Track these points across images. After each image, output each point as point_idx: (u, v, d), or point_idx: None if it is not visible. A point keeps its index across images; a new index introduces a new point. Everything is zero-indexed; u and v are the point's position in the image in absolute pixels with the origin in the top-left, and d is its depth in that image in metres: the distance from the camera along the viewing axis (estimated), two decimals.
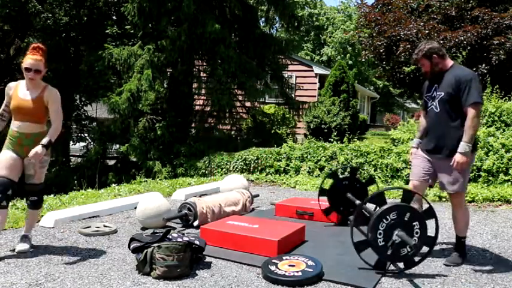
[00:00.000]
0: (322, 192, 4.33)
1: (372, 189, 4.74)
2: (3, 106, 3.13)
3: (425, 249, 2.98)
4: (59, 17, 13.76)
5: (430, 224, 2.94)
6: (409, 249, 2.87)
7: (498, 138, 6.61)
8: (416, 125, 8.41)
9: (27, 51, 3.11)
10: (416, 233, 2.88)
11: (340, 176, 4.35)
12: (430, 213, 2.97)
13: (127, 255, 3.18)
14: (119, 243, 3.55)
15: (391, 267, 3.06)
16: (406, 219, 2.86)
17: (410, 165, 3.83)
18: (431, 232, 2.96)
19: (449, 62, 3.17)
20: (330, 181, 4.50)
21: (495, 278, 2.91)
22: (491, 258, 3.37)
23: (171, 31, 9.77)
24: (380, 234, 2.85)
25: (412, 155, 3.36)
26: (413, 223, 2.88)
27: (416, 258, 2.96)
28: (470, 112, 2.93)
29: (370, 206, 3.97)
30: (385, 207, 2.89)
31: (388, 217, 2.86)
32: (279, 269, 2.83)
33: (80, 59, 13.83)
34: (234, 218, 3.98)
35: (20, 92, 3.10)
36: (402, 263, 2.99)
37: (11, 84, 3.13)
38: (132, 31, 12.61)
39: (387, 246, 2.85)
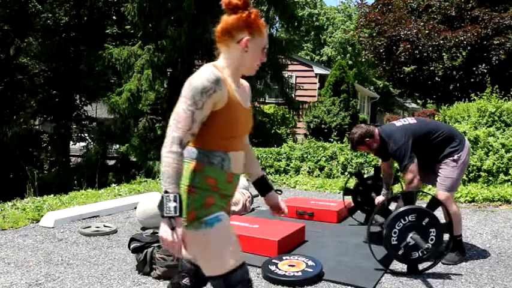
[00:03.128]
0: (347, 192, 4.31)
1: (395, 188, 4.74)
2: (187, 123, 1.41)
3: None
4: (59, 17, 13.75)
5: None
6: (421, 254, 2.86)
7: (498, 138, 6.60)
8: None
9: (251, 18, 1.54)
10: (431, 239, 2.86)
11: (364, 176, 4.36)
12: (448, 228, 2.97)
13: (127, 255, 3.18)
14: (119, 243, 3.55)
15: (402, 269, 3.06)
16: (423, 223, 2.86)
17: None
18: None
19: (377, 136, 3.35)
20: (353, 181, 4.51)
21: (495, 278, 2.91)
22: (491, 258, 3.37)
23: (171, 31, 9.76)
24: (395, 233, 2.86)
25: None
26: (430, 229, 2.86)
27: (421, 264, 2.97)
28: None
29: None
30: (405, 207, 2.88)
31: (406, 218, 2.85)
32: (279, 269, 2.83)
33: (80, 59, 13.82)
34: (234, 218, 3.98)
35: (237, 93, 1.55)
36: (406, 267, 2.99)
37: (214, 76, 1.43)
38: (132, 31, 12.59)
39: (399, 247, 2.85)
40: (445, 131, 3.22)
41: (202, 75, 1.43)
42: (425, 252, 2.86)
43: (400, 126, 3.28)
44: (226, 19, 1.53)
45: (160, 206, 1.34)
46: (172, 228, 1.32)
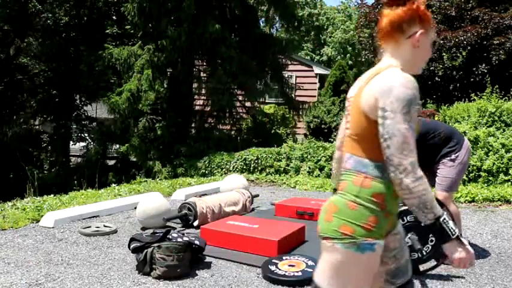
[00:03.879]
0: None
1: None
2: (414, 142, 1.33)
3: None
4: (59, 17, 13.76)
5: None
6: (420, 255, 2.86)
7: (498, 138, 6.60)
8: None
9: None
10: (431, 240, 2.86)
11: None
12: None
13: (127, 255, 3.18)
14: (119, 243, 3.55)
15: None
16: (423, 224, 2.84)
17: None
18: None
19: None
20: None
21: (495, 278, 2.91)
22: (491, 258, 3.37)
23: (171, 31, 9.76)
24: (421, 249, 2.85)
25: None
26: (430, 233, 2.85)
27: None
28: None
29: None
30: (403, 208, 2.88)
31: (404, 218, 2.86)
32: (279, 269, 2.83)
33: (80, 59, 13.82)
34: (234, 218, 3.98)
35: None
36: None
37: (415, 84, 1.31)
38: (132, 31, 12.59)
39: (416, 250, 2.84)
40: (443, 131, 3.24)
41: (407, 84, 1.26)
42: (424, 253, 2.85)
43: None
44: (394, 12, 1.36)
45: (442, 232, 1.27)
46: (465, 244, 1.27)
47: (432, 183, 3.37)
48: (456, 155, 3.17)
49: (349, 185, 1.34)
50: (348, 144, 1.42)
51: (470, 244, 3.71)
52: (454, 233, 1.26)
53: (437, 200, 2.98)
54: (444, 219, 1.26)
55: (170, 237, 2.95)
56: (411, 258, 2.84)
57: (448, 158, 3.18)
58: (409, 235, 2.85)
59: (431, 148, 3.23)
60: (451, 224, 1.27)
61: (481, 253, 3.49)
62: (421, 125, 3.29)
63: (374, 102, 1.29)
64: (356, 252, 1.29)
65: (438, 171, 3.22)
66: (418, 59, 1.39)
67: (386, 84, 1.27)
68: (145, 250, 2.82)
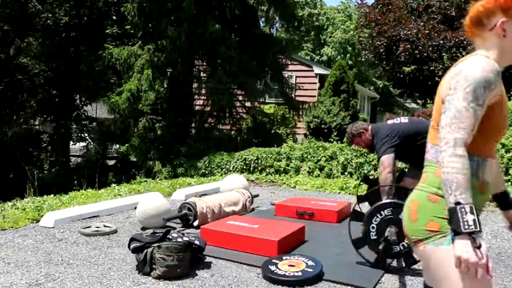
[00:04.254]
0: (360, 199, 4.27)
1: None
2: (471, 122, 1.22)
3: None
4: (59, 17, 13.76)
5: None
6: (402, 248, 2.90)
7: None
8: None
9: None
10: None
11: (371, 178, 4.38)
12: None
13: (127, 255, 3.18)
14: (119, 243, 3.55)
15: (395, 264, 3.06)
16: (400, 217, 2.89)
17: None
18: None
19: (370, 131, 3.58)
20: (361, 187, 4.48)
21: (495, 278, 2.90)
22: (491, 258, 3.37)
23: (171, 31, 9.76)
24: (373, 228, 2.94)
25: None
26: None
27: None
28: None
29: None
30: (381, 202, 2.97)
31: (382, 212, 2.93)
32: (279, 269, 2.83)
33: (80, 59, 13.83)
34: (234, 218, 3.98)
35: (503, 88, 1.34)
36: (403, 261, 3.01)
37: (495, 68, 1.25)
38: (132, 31, 12.59)
39: (379, 241, 2.91)
40: None
41: (481, 66, 1.21)
42: (406, 245, 2.89)
43: (389, 124, 3.43)
44: (476, 6, 1.31)
45: (453, 220, 1.12)
46: (477, 246, 1.12)
47: None
48: None
49: (430, 177, 1.29)
50: (430, 134, 1.40)
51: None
52: (467, 227, 1.10)
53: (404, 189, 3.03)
54: (463, 208, 1.12)
55: (170, 237, 2.95)
56: (393, 252, 2.91)
57: None
58: (389, 228, 2.90)
59: (423, 148, 3.22)
60: (469, 217, 1.11)
61: None
62: (411, 125, 3.35)
63: (447, 86, 1.28)
64: (448, 246, 1.20)
65: None
66: (509, 48, 1.30)
67: (459, 67, 1.25)
68: (145, 250, 2.82)
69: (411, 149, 3.29)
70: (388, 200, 2.99)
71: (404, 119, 3.44)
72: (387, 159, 3.20)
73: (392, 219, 2.90)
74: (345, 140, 8.57)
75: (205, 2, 10.06)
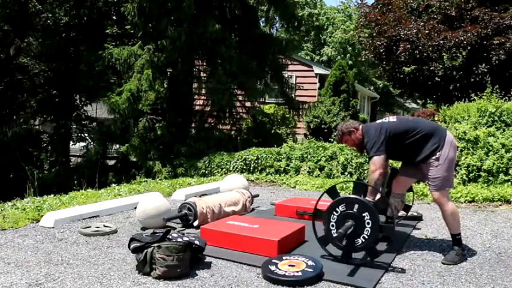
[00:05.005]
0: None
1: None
2: None
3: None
4: (59, 17, 13.76)
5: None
6: (363, 240, 2.97)
7: (498, 138, 6.60)
8: None
9: None
10: (368, 223, 2.97)
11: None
12: (382, 203, 3.21)
13: (127, 255, 3.18)
14: (119, 243, 3.55)
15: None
16: (355, 210, 3.01)
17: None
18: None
19: (360, 130, 3.50)
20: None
21: (495, 278, 2.91)
22: (491, 258, 3.37)
23: (171, 31, 9.76)
24: (333, 226, 3.07)
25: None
26: (363, 214, 2.99)
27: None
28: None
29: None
30: (334, 200, 3.09)
31: (338, 209, 3.06)
32: (279, 269, 2.83)
33: (80, 59, 13.83)
34: (234, 218, 3.98)
35: None
36: (368, 255, 3.08)
37: None
38: (132, 31, 12.59)
39: (341, 238, 2.98)
40: (423, 129, 3.30)
41: None
42: (366, 237, 2.96)
43: (378, 123, 3.44)
44: None
45: None
46: None
47: (418, 178, 3.61)
48: (440, 152, 3.22)
49: None
50: None
51: (471, 244, 3.72)
52: None
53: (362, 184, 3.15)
54: None
55: (170, 237, 2.95)
56: (357, 245, 2.98)
57: (433, 158, 3.23)
58: (347, 222, 3.00)
59: (414, 145, 3.29)
60: None
61: (481, 253, 3.49)
62: (399, 124, 3.39)
63: None
64: None
65: (428, 172, 3.28)
66: None
67: None
68: (145, 250, 2.82)
69: (400, 148, 3.33)
70: (341, 196, 3.12)
71: (392, 118, 3.47)
72: (379, 160, 3.21)
73: (348, 214, 3.01)
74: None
75: (205, 2, 10.05)
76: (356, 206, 3.00)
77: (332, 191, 3.20)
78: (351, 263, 3.04)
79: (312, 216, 3.33)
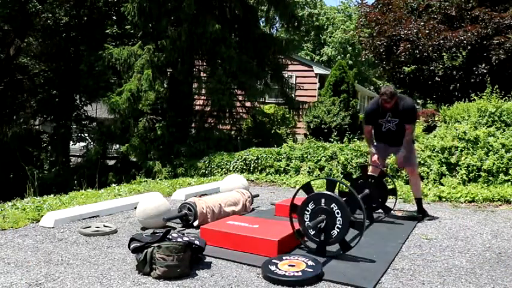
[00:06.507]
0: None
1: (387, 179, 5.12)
2: None
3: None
4: (59, 17, 13.75)
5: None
6: (337, 230, 3.09)
7: (498, 138, 6.60)
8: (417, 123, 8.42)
9: None
10: (338, 213, 3.09)
11: (354, 177, 4.71)
12: (348, 192, 3.55)
13: (127, 255, 3.18)
14: (119, 243, 3.55)
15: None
16: (323, 205, 3.14)
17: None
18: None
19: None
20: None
21: (495, 278, 2.91)
22: (491, 258, 3.37)
23: (171, 31, 9.76)
24: (308, 225, 3.18)
25: (374, 151, 4.64)
26: (331, 206, 3.11)
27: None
28: (409, 129, 4.41)
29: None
30: (302, 200, 3.22)
31: (308, 208, 3.20)
32: (279, 269, 2.83)
33: (80, 59, 13.82)
34: (234, 218, 3.98)
35: None
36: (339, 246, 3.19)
37: None
38: (132, 31, 12.60)
39: (318, 233, 3.11)
40: None
41: None
42: (340, 226, 3.08)
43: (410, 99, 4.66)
44: None
45: None
46: None
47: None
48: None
49: None
50: None
51: (471, 244, 3.71)
52: None
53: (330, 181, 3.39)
54: None
55: (170, 237, 2.95)
56: (334, 237, 3.09)
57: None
58: (319, 217, 3.12)
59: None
60: None
61: (481, 253, 3.49)
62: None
63: None
64: None
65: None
66: None
67: None
68: (145, 250, 2.82)
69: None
70: (310, 195, 3.25)
71: None
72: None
73: (318, 209, 3.15)
74: (345, 140, 8.58)
75: (205, 2, 10.05)
76: (323, 200, 3.16)
77: (306, 188, 3.33)
78: (325, 256, 3.16)
79: (289, 212, 3.42)
